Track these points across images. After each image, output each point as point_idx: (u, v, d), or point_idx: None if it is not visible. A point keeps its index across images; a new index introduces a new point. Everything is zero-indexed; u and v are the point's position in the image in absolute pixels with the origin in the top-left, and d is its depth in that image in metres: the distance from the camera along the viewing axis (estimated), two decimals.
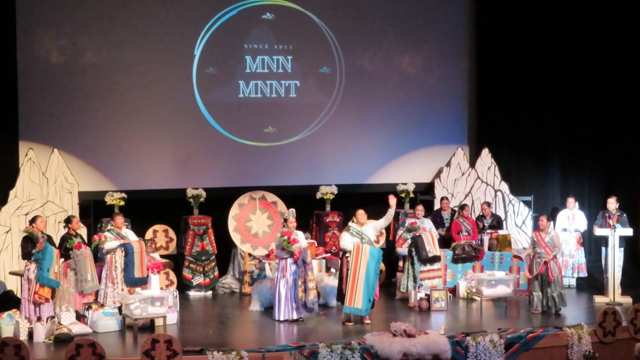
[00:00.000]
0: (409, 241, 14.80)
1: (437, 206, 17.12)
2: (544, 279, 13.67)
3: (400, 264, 15.54)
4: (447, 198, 16.74)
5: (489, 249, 16.00)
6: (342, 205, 16.68)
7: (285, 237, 13.37)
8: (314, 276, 13.62)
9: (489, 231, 16.16)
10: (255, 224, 15.77)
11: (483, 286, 14.12)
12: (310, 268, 13.47)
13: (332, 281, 14.49)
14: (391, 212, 13.37)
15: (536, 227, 14.56)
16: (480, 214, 16.58)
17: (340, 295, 13.48)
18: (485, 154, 17.47)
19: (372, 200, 16.40)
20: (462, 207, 16.42)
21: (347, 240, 13.33)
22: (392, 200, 13.34)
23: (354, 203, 15.12)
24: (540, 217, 14.04)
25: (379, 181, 17.39)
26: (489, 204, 16.59)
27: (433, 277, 14.51)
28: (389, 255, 16.60)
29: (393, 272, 16.31)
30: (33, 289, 12.42)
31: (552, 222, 14.13)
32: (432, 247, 14.53)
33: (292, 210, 13.80)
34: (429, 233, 14.74)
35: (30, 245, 12.55)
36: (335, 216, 16.64)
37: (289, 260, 13.37)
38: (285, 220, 13.69)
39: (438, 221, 16.40)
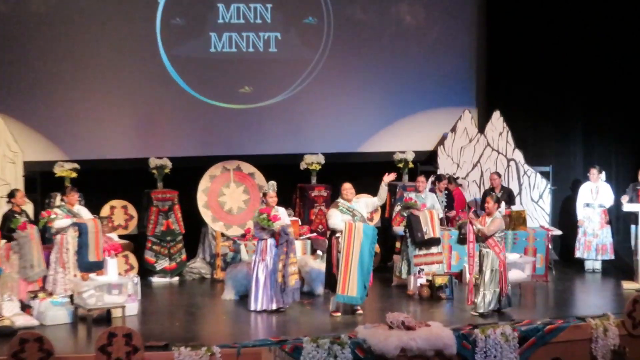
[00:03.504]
0: (405, 219, 14.64)
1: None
2: (483, 271, 13.22)
3: (398, 245, 15.49)
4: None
5: None
6: (330, 178, 16.53)
7: (265, 215, 13.24)
8: (296, 258, 13.51)
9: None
10: (229, 199, 15.73)
11: None
12: (293, 249, 13.35)
13: (319, 265, 14.41)
14: (382, 191, 13.27)
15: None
16: (489, 186, 16.42)
17: (330, 282, 13.29)
18: (497, 117, 17.28)
19: (366, 171, 16.29)
20: (440, 179, 16.24)
21: (336, 219, 13.16)
22: (388, 176, 13.27)
23: (344, 175, 14.86)
24: (488, 197, 13.59)
25: (373, 149, 17.37)
26: (499, 175, 16.46)
27: (431, 263, 14.43)
28: (384, 235, 16.52)
29: (389, 254, 16.27)
30: None
31: (502, 204, 13.97)
32: (429, 227, 14.40)
33: (273, 183, 13.80)
34: (428, 211, 14.57)
35: None
36: (322, 190, 16.57)
37: (270, 242, 13.28)
38: (265, 194, 13.57)
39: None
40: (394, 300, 14.13)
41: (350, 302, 13.07)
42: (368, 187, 15.21)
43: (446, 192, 16.28)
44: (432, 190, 15.80)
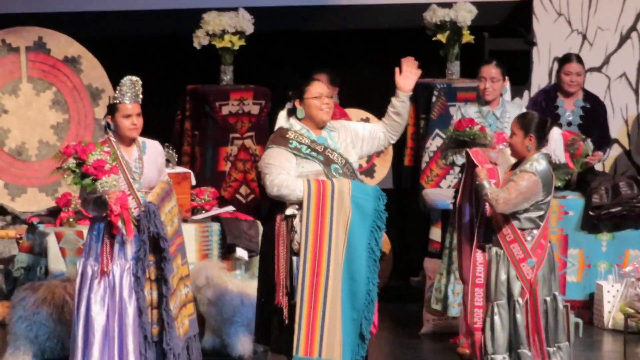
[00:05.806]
0: (457, 171, 14.62)
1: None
2: (511, 303, 12.51)
3: (436, 234, 15.89)
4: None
5: None
6: (268, 68, 17.23)
7: (73, 161, 11.95)
8: (188, 271, 12.47)
9: None
10: (17, 121, 16.47)
11: None
12: (179, 249, 12.39)
13: (243, 285, 14.22)
14: (400, 108, 12.27)
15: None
16: None
17: (265, 326, 12.45)
18: None
19: (357, 51, 17.39)
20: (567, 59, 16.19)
21: (284, 174, 12.11)
22: (403, 73, 12.20)
23: (303, 60, 16.43)
24: (514, 120, 12.94)
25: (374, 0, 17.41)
26: None
27: None
28: (402, 210, 17.15)
29: (416, 257, 16.40)
30: None
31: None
32: None
33: (133, 80, 12.32)
34: None
35: None
36: (248, 98, 16.78)
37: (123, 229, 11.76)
38: (112, 109, 12.21)
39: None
40: None
41: None
42: (366, 90, 15.91)
43: (584, 100, 16.00)
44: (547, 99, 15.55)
